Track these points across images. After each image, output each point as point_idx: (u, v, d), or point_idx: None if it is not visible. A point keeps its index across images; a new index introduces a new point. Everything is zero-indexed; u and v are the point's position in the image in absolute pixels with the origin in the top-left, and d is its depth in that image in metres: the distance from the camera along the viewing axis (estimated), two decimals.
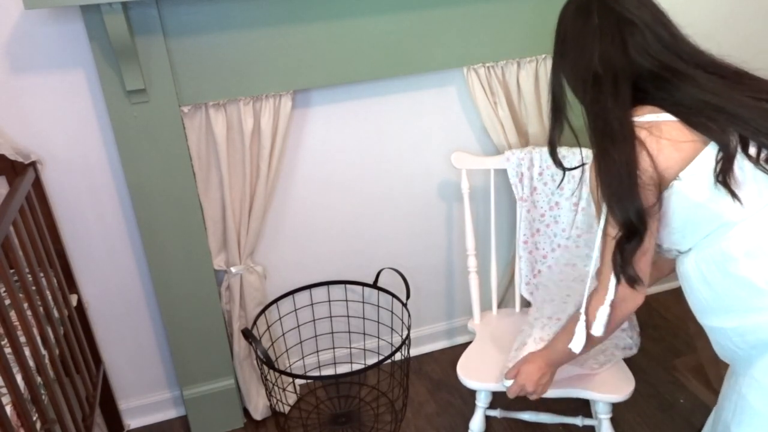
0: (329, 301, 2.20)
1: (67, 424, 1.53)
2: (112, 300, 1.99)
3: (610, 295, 1.31)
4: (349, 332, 2.27)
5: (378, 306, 2.22)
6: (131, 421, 2.16)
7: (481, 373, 1.70)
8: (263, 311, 2.04)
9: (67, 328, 1.70)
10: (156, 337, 2.08)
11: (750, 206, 1.17)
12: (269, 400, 2.09)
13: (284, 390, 2.12)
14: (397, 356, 1.90)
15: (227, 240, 1.92)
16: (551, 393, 1.62)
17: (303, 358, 2.27)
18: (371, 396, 2.23)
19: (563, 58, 1.32)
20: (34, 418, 1.35)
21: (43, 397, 1.41)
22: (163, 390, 2.18)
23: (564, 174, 1.68)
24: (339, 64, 1.82)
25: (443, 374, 2.32)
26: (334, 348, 2.28)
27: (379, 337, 2.29)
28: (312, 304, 2.19)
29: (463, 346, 1.82)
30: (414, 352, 2.39)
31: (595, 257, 1.34)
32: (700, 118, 1.18)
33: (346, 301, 2.22)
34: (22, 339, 1.37)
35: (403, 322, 2.19)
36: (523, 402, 1.83)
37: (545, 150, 1.86)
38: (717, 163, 1.16)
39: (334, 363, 2.29)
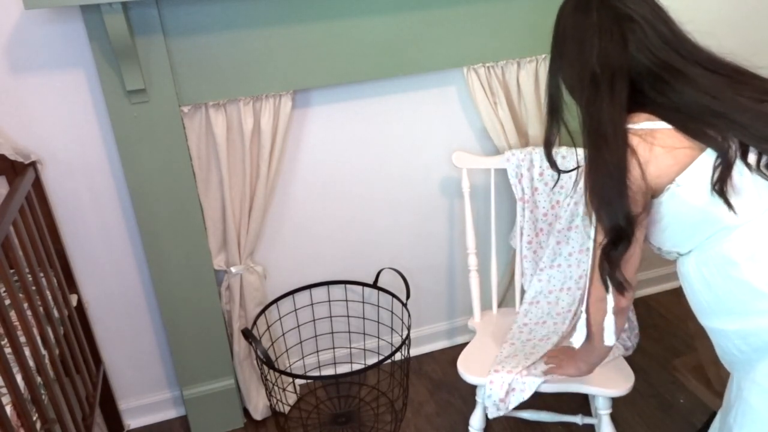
0: (329, 301, 2.20)
1: (67, 424, 1.53)
2: (112, 300, 1.99)
3: (610, 302, 1.31)
4: (349, 332, 2.27)
5: (378, 306, 2.22)
6: (131, 421, 2.16)
7: (481, 369, 1.70)
8: (263, 311, 2.04)
9: (67, 328, 1.70)
10: (156, 337, 2.08)
11: (751, 210, 1.17)
12: (269, 400, 2.09)
13: (284, 390, 2.12)
14: (397, 356, 1.90)
15: (227, 240, 1.92)
16: (551, 388, 1.63)
17: (303, 358, 2.27)
18: (371, 396, 2.23)
19: (561, 58, 1.31)
20: (34, 418, 1.35)
21: (43, 397, 1.41)
22: (163, 390, 2.18)
23: (559, 176, 1.67)
24: (339, 64, 1.82)
25: (443, 374, 2.32)
26: (334, 348, 2.28)
27: (379, 337, 2.29)
28: (312, 304, 2.19)
29: (463, 346, 1.82)
30: (414, 352, 2.39)
31: (589, 265, 1.35)
32: (698, 124, 1.17)
33: (346, 301, 2.22)
34: (22, 339, 1.37)
35: (403, 322, 2.19)
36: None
37: None
38: (714, 170, 1.15)
39: (334, 363, 2.29)
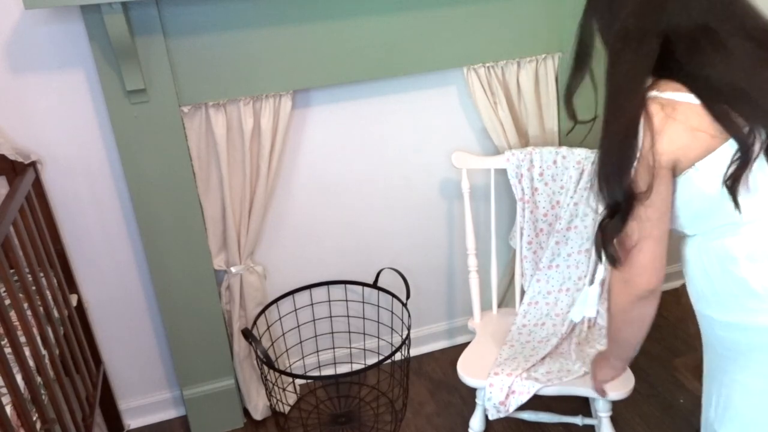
0: (329, 301, 2.20)
1: (67, 424, 1.53)
2: (112, 300, 1.99)
3: (600, 274, 1.27)
4: (349, 332, 2.27)
5: (378, 306, 2.22)
6: (131, 421, 2.16)
7: (481, 371, 1.69)
8: (263, 311, 2.04)
9: (67, 328, 1.70)
10: (156, 337, 2.08)
11: (764, 209, 1.13)
12: (269, 400, 2.09)
13: (284, 390, 2.12)
14: (397, 356, 1.89)
15: (227, 240, 1.92)
16: (552, 391, 1.63)
17: (303, 358, 2.27)
18: (371, 396, 2.23)
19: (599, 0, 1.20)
20: (34, 418, 1.35)
21: (43, 397, 1.41)
22: (163, 390, 2.18)
23: (574, 125, 1.43)
24: (339, 64, 1.82)
25: (443, 374, 2.31)
26: (334, 348, 2.28)
27: (379, 337, 2.29)
28: (312, 304, 2.19)
29: (463, 346, 1.82)
30: (414, 352, 2.39)
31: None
32: (724, 105, 1.08)
33: (346, 301, 2.22)
34: (22, 339, 1.37)
35: (403, 322, 2.19)
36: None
37: (545, 150, 1.86)
38: (732, 163, 1.09)
39: (334, 363, 2.29)
